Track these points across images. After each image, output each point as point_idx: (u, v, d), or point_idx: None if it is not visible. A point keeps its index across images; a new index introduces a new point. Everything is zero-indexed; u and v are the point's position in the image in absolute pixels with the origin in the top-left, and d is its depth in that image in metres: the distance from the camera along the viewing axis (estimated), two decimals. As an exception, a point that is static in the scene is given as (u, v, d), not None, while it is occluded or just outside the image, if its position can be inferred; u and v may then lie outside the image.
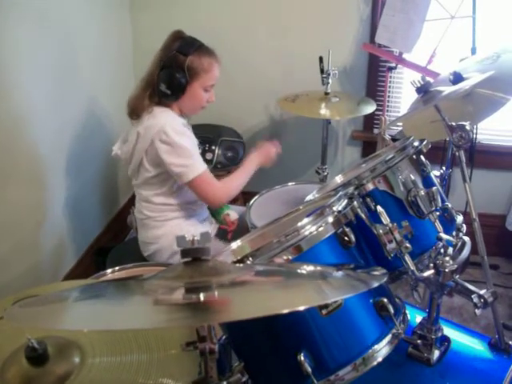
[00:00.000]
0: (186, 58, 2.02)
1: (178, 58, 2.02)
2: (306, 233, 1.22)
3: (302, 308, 0.79)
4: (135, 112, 2.10)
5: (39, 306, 0.92)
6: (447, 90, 1.62)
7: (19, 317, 0.87)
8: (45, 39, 2.43)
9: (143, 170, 2.12)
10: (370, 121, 3.27)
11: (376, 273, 1.15)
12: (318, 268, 1.11)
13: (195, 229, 2.18)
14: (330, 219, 1.25)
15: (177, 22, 3.07)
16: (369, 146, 3.28)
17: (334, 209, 1.30)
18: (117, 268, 1.80)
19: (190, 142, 2.07)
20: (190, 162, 2.03)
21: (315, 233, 1.22)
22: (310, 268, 1.11)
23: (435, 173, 1.72)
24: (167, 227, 2.19)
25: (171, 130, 1.99)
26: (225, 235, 2.36)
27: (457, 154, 1.58)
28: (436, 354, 1.46)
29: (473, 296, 1.34)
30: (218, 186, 2.13)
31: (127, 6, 3.29)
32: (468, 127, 1.53)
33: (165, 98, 2.05)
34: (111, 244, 2.81)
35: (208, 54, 2.08)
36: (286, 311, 0.74)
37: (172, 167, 2.02)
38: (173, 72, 2.01)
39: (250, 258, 1.21)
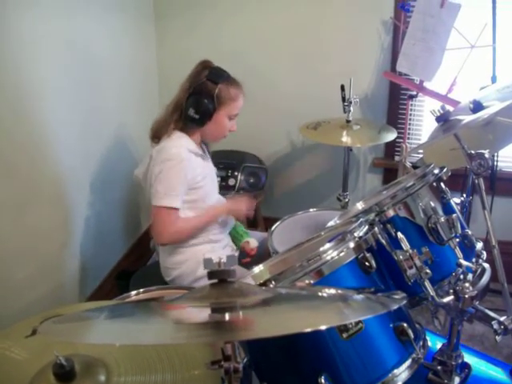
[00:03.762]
0: (216, 86, 2.09)
1: (208, 86, 2.09)
2: (328, 257, 1.25)
3: (323, 327, 0.81)
4: (158, 136, 2.16)
5: (72, 322, 0.96)
6: (466, 118, 1.64)
7: (53, 332, 0.90)
8: (74, 66, 2.51)
9: None
10: (391, 148, 3.29)
11: (396, 297, 1.17)
12: (339, 291, 1.14)
13: (217, 254, 2.19)
14: (352, 244, 1.28)
15: (201, 49, 3.18)
16: (390, 174, 3.30)
17: (356, 234, 1.32)
18: (141, 290, 1.82)
19: (182, 175, 2.07)
20: (163, 192, 2.04)
21: (336, 258, 1.25)
22: (331, 291, 1.13)
23: (456, 200, 1.73)
24: (189, 253, 2.22)
25: (174, 152, 2.05)
26: (241, 262, 2.36)
27: (476, 181, 1.59)
28: (456, 380, 1.46)
29: (493, 322, 1.34)
30: (170, 229, 2.09)
31: (153, 34, 3.38)
32: (487, 155, 1.55)
33: (191, 122, 2.10)
34: (133, 267, 2.85)
35: (236, 84, 2.16)
36: (308, 330, 0.77)
37: (152, 186, 2.07)
38: (202, 98, 2.08)
39: (273, 282, 1.24)
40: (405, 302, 1.10)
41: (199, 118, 2.09)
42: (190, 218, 2.17)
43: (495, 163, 2.71)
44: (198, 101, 2.08)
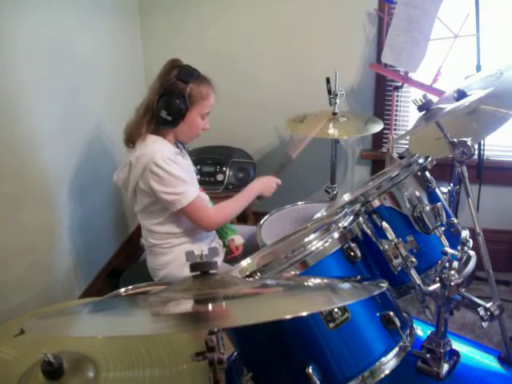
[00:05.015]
0: (187, 85, 2.05)
1: (179, 86, 2.05)
2: (313, 248, 1.26)
3: (304, 314, 0.81)
4: (131, 140, 2.12)
5: (55, 318, 0.96)
6: (448, 107, 1.65)
7: (37, 327, 0.91)
8: (56, 66, 2.49)
9: (139, 198, 2.15)
10: (379, 140, 3.30)
11: (382, 285, 1.18)
12: (325, 280, 1.14)
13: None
14: (336, 235, 1.29)
15: (187, 48, 3.18)
16: (378, 165, 3.31)
17: (340, 225, 1.33)
18: (130, 287, 1.82)
19: (181, 170, 2.08)
20: (182, 189, 2.04)
21: (321, 248, 1.26)
22: (317, 281, 1.14)
23: (443, 189, 1.75)
24: (174, 253, 2.21)
25: (161, 159, 2.01)
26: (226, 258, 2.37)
27: (459, 169, 1.60)
28: (445, 367, 1.47)
29: (479, 309, 1.36)
30: (211, 211, 2.16)
31: (139, 33, 3.37)
32: (469, 143, 1.56)
33: (164, 124, 2.07)
34: (124, 265, 2.85)
35: (206, 82, 2.12)
36: (288, 317, 0.77)
37: (163, 196, 2.03)
38: (173, 99, 2.04)
39: (258, 274, 1.25)
40: (385, 287, 1.11)
41: (172, 120, 2.06)
42: (230, 200, 2.22)
43: (482, 152, 2.73)
44: (170, 101, 2.04)
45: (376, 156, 3.32)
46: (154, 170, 2.00)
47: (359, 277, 1.30)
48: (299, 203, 2.53)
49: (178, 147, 2.20)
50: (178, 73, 2.06)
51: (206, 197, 2.28)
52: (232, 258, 2.35)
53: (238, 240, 2.41)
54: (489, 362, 1.60)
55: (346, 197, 1.93)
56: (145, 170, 2.03)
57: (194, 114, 2.10)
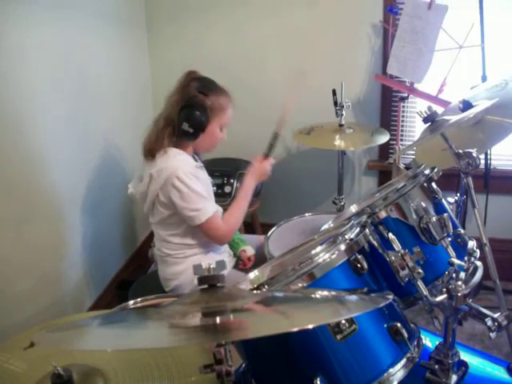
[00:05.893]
0: (207, 97, 2.07)
1: (199, 98, 2.06)
2: (320, 260, 1.26)
3: (310, 326, 0.82)
4: (152, 152, 2.12)
5: (65, 331, 0.97)
6: (453, 118, 1.66)
7: (46, 340, 0.92)
8: (66, 81, 2.51)
9: (157, 210, 2.16)
10: (386, 151, 3.31)
11: (389, 296, 1.18)
12: (332, 293, 1.15)
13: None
14: (343, 247, 1.30)
15: (193, 59, 3.18)
16: (385, 176, 3.31)
17: (347, 237, 1.34)
18: (139, 299, 1.83)
19: (201, 186, 2.11)
20: (201, 205, 2.07)
21: (328, 260, 1.26)
22: (324, 293, 1.14)
23: (450, 199, 1.75)
24: (187, 263, 2.22)
25: (183, 174, 2.03)
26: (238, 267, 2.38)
27: (465, 180, 1.61)
28: (454, 378, 1.46)
29: (486, 319, 1.36)
30: (225, 227, 2.16)
31: (146, 45, 3.40)
32: (475, 154, 1.56)
33: (185, 136, 2.09)
34: (133, 277, 2.85)
35: (225, 94, 2.15)
36: (295, 329, 0.78)
37: (184, 211, 2.06)
38: (194, 111, 2.05)
39: (266, 286, 1.25)
40: (391, 299, 1.11)
41: (193, 132, 2.07)
42: (232, 207, 2.23)
43: (489, 162, 2.73)
44: (191, 114, 2.05)
45: (383, 167, 3.32)
46: (176, 184, 2.03)
47: (366, 289, 1.31)
48: (307, 214, 2.53)
49: (195, 160, 2.22)
50: (199, 85, 2.09)
51: (220, 209, 2.29)
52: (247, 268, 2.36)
53: (250, 251, 2.41)
54: (498, 372, 1.59)
55: (353, 208, 1.93)
56: (166, 183, 2.05)
57: (214, 125, 2.13)
